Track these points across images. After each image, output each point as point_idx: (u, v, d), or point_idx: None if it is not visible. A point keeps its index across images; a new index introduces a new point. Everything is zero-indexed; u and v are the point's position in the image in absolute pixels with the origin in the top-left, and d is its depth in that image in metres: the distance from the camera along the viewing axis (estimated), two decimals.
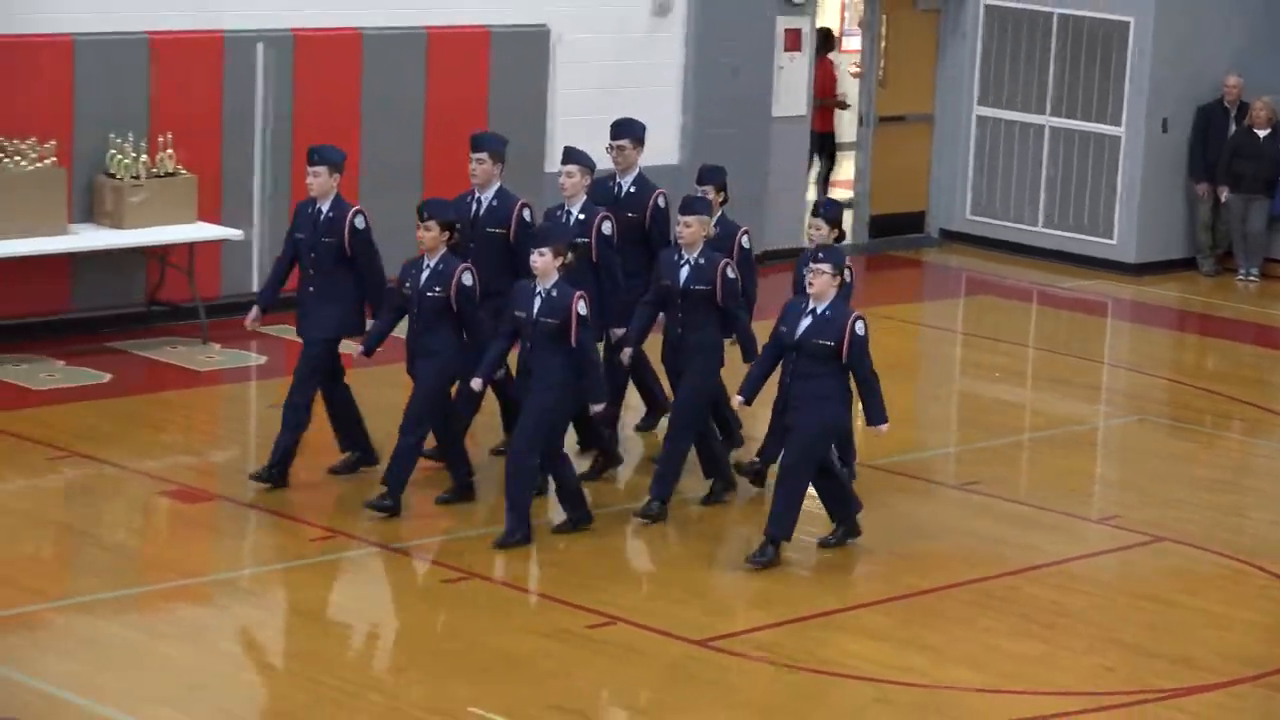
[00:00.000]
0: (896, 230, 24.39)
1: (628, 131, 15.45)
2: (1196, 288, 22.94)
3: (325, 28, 19.78)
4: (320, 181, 14.33)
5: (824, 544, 14.02)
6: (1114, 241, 23.23)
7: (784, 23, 22.43)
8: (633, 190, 15.30)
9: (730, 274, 13.93)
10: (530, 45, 20.83)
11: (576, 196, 14.63)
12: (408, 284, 13.90)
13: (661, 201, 15.09)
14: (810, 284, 13.00)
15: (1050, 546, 14.46)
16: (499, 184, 14.83)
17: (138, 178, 18.30)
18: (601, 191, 15.18)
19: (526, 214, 14.80)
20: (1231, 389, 19.38)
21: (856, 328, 12.97)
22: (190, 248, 18.78)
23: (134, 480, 15.20)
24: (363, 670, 12.19)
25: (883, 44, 24.18)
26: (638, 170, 15.39)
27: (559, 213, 14.85)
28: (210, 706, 11.35)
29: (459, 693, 11.75)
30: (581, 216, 14.57)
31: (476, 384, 13.54)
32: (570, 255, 13.40)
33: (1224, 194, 23.20)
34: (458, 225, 14.04)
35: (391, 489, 13.99)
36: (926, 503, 15.59)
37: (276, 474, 14.52)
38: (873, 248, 24.10)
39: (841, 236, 14.73)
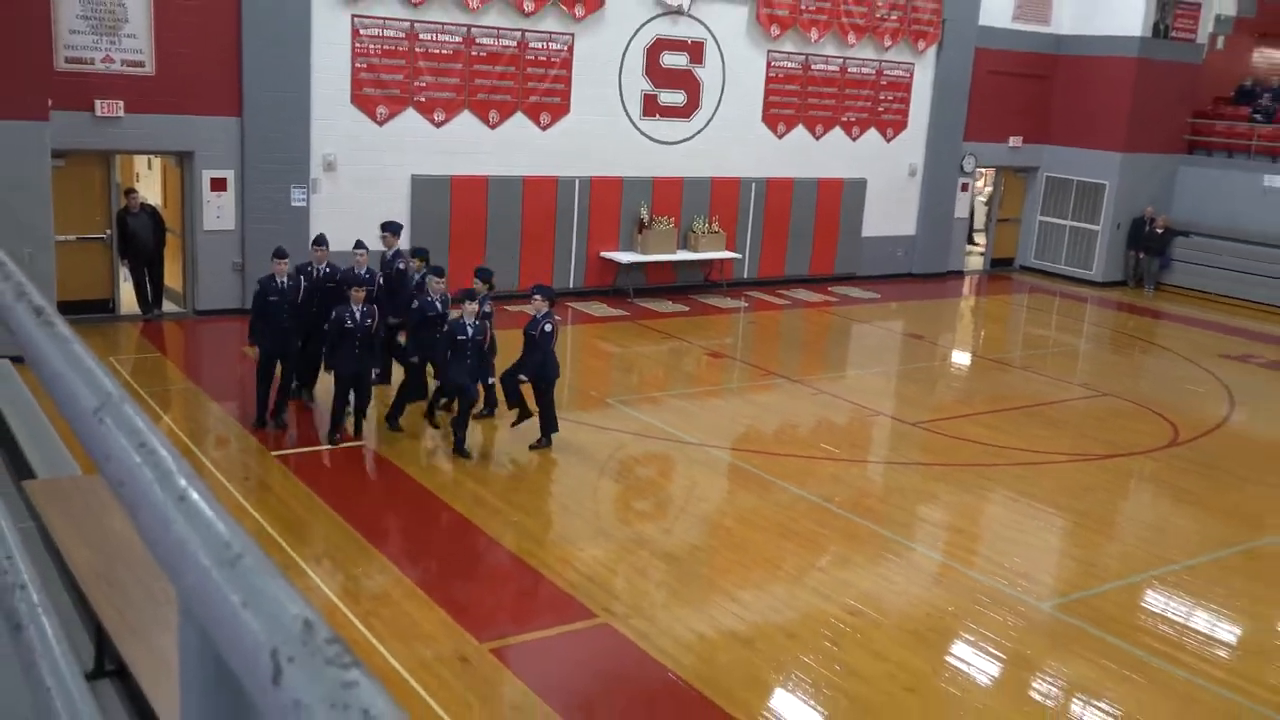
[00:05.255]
0: (1002, 265, 23.55)
1: (388, 229, 11.93)
2: (1126, 293, 21.99)
3: (780, 176, 19.02)
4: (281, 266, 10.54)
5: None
6: (1093, 272, 22.43)
7: (960, 180, 21.93)
8: (389, 258, 11.80)
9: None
10: (858, 189, 20.32)
11: (362, 265, 11.04)
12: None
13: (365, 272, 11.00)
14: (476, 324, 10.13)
15: (1061, 395, 14.12)
16: (327, 260, 11.14)
17: (703, 231, 18.29)
18: (383, 261, 11.90)
19: (403, 264, 11.59)
20: (1138, 333, 18.67)
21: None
22: (720, 262, 18.67)
23: (694, 349, 14.95)
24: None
25: (1002, 189, 23.41)
26: (395, 249, 11.84)
27: (364, 272, 10.98)
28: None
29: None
30: (369, 274, 10.87)
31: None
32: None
33: (1141, 255, 22.28)
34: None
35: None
36: (1005, 374, 15.19)
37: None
38: (992, 272, 23.25)
39: (553, 302, 10.45)
